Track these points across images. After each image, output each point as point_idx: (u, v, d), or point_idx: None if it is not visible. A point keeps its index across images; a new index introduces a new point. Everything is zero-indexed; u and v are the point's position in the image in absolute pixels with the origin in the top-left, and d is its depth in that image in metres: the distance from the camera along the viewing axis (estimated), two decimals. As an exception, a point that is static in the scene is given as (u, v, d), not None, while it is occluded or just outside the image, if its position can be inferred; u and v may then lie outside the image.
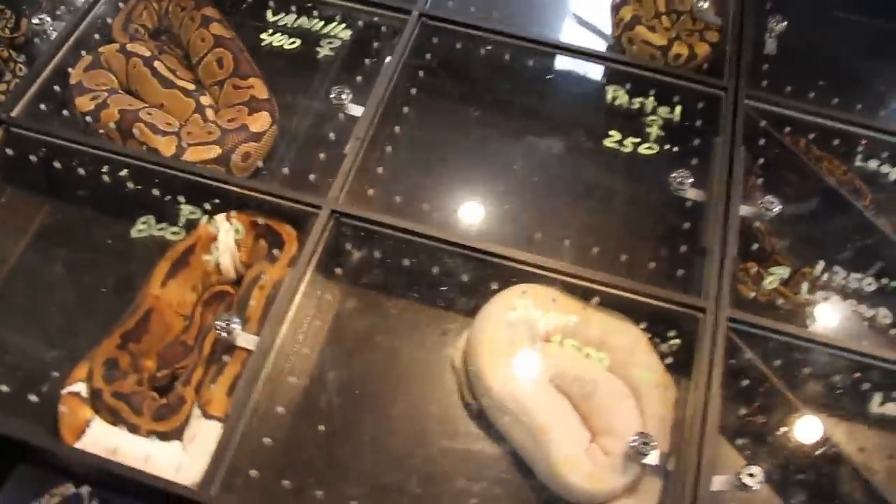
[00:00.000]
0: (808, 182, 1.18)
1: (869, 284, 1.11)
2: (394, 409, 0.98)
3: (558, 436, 0.94)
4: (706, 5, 1.29)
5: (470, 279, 1.02)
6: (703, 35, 1.30)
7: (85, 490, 0.90)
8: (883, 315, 1.08)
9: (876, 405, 1.01)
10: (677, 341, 1.01)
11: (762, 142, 1.20)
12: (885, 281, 1.12)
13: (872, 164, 1.21)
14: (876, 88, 1.31)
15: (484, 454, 0.96)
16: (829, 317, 1.08)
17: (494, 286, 1.02)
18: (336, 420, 0.96)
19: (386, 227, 1.02)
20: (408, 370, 1.01)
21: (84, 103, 1.11)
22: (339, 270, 1.03)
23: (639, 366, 1.00)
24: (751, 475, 0.90)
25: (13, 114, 1.07)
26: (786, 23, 1.29)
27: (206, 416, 0.92)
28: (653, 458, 0.92)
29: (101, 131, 1.10)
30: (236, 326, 0.94)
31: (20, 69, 1.21)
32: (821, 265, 1.11)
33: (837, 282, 1.11)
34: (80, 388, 0.94)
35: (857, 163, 1.21)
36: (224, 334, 0.94)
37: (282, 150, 1.15)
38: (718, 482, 0.91)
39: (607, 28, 1.34)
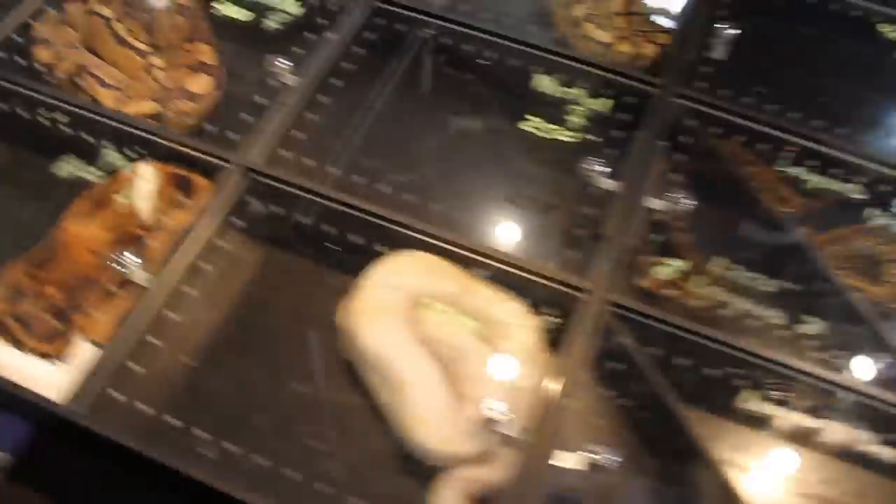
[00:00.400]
0: (729, 183, 1.17)
1: (767, 286, 1.10)
2: (270, 357, 1.02)
3: (418, 395, 0.96)
4: (658, 8, 1.31)
5: (363, 242, 1.06)
6: (651, 36, 1.31)
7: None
8: (775, 316, 1.07)
9: (743, 402, 1.00)
10: (557, 320, 1.02)
11: (688, 140, 1.20)
12: (785, 285, 1.10)
13: (796, 170, 1.19)
14: (817, 100, 1.29)
15: (347, 406, 0.99)
16: (718, 311, 1.07)
17: (385, 249, 1.05)
18: (208, 360, 1.01)
19: (291, 185, 1.06)
20: (291, 323, 1.05)
21: (41, 54, 1.20)
22: (241, 223, 1.08)
23: (513, 339, 1.01)
24: (600, 455, 0.92)
25: (-27, 58, 1.17)
26: (738, 31, 1.30)
27: (91, 342, 0.99)
28: (509, 429, 0.92)
29: (54, 81, 1.19)
30: (133, 263, 1.00)
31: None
32: (722, 262, 1.10)
33: (736, 280, 1.10)
34: (-17, 306, 1.02)
35: (782, 167, 1.20)
36: (121, 269, 1.00)
37: (220, 113, 1.21)
38: (568, 458, 0.92)
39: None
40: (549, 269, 1.02)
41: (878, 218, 1.19)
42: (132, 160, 1.11)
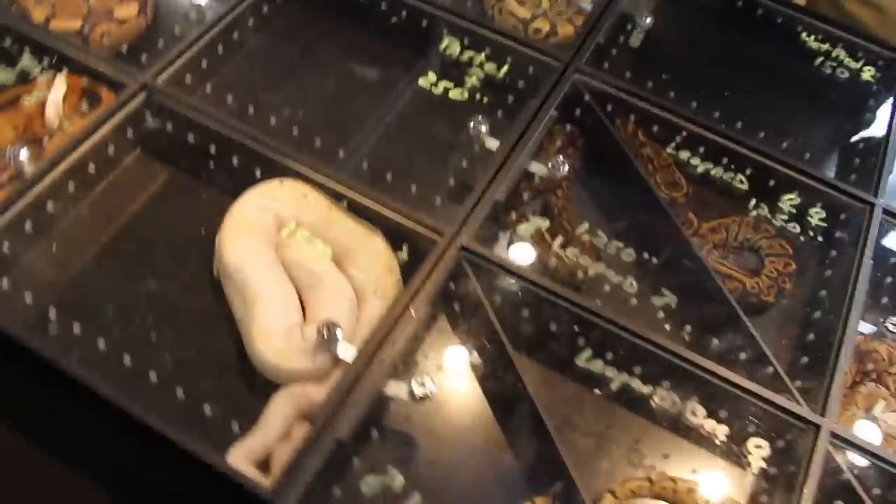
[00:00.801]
0: (620, 159, 1.20)
1: (629, 255, 1.12)
2: (145, 263, 1.07)
3: (265, 309, 1.00)
4: (585, -7, 1.35)
5: (244, 165, 1.11)
6: (572, 18, 1.35)
7: None
8: (629, 284, 1.09)
9: (583, 359, 1.03)
10: (405, 255, 1.06)
11: (582, 115, 1.24)
12: (645, 255, 1.13)
13: (685, 154, 1.22)
14: (722, 95, 1.32)
15: (205, 314, 1.04)
16: (571, 271, 1.10)
17: (264, 175, 1.10)
18: (85, 256, 1.07)
19: (186, 106, 1.12)
20: (172, 235, 1.10)
21: (-12, -28, 1.28)
22: (131, 136, 1.14)
23: (365, 270, 1.05)
24: (422, 384, 0.95)
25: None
26: (650, 20, 1.33)
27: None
28: (344, 353, 0.96)
29: (-7, -3, 1.27)
30: (23, 155, 1.06)
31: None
32: (585, 226, 1.13)
33: (600, 246, 1.13)
34: None
35: (673, 151, 1.23)
36: (10, 160, 1.06)
37: (142, 39, 1.28)
38: (393, 386, 0.96)
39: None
40: (409, 211, 1.06)
41: (762, 211, 1.21)
42: (44, 68, 1.18)
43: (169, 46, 1.20)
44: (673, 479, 1.00)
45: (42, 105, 1.15)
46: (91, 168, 1.09)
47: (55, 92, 1.16)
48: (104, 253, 1.08)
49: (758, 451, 0.99)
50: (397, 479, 0.92)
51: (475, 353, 1.03)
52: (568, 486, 0.94)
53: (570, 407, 1.03)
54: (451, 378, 1.02)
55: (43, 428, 0.96)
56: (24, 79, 1.18)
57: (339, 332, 0.96)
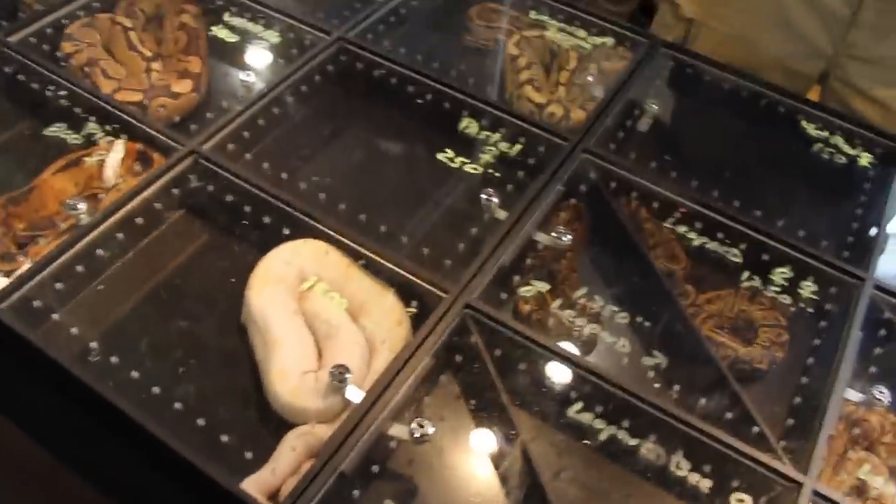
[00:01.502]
0: (621, 233, 1.29)
1: (623, 318, 1.20)
2: (178, 306, 1.18)
3: (284, 352, 1.10)
4: (591, 79, 1.46)
5: (275, 224, 1.23)
6: (584, 105, 1.46)
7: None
8: (621, 345, 1.16)
9: (573, 411, 1.09)
10: (415, 310, 1.15)
11: (587, 191, 1.34)
12: (639, 319, 1.20)
13: (683, 229, 1.30)
14: (721, 175, 1.40)
15: (230, 356, 1.14)
16: (567, 330, 1.17)
17: (291, 233, 1.22)
18: (125, 295, 1.18)
19: (225, 169, 1.25)
20: (206, 283, 1.22)
21: (66, 46, 1.45)
22: (177, 194, 1.26)
23: (377, 323, 1.14)
24: (422, 426, 1.02)
25: (10, 38, 1.42)
26: (657, 107, 1.44)
27: (34, 267, 1.18)
28: (353, 396, 1.04)
29: (69, 68, 1.43)
30: (81, 207, 1.19)
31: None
32: (583, 290, 1.21)
33: (595, 309, 1.20)
34: (-37, 228, 1.23)
35: (669, 224, 1.31)
36: (70, 211, 1.19)
37: (195, 114, 1.43)
38: (396, 428, 1.03)
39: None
40: (420, 270, 1.16)
41: (755, 283, 1.27)
42: (107, 132, 1.33)
43: (216, 118, 1.34)
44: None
45: (101, 165, 1.29)
46: (139, 221, 1.22)
47: (114, 154, 1.30)
48: (145, 296, 1.19)
49: (740, 505, 1.03)
50: None
51: (473, 402, 1.10)
52: None
53: (562, 458, 1.08)
54: (450, 424, 1.09)
55: (73, 449, 1.05)
56: (89, 142, 1.34)
57: (348, 376, 1.05)
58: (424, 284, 1.15)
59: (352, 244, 1.19)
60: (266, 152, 1.37)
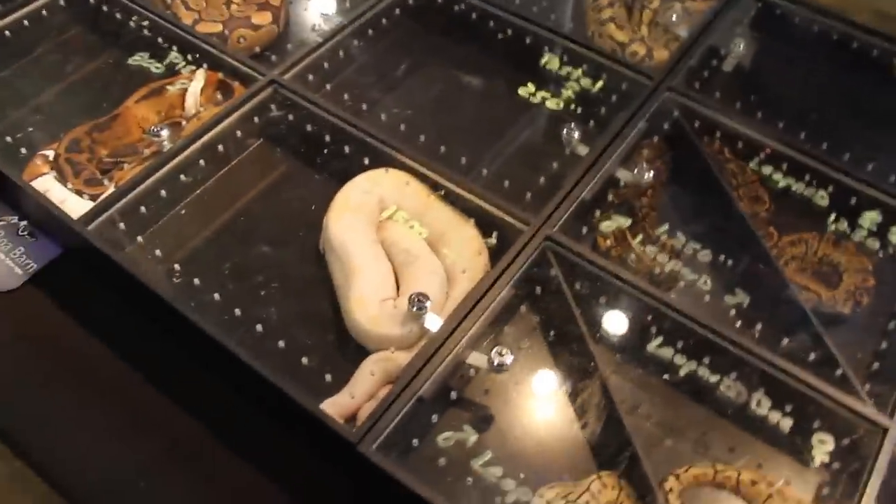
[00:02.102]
0: (704, 172, 1.25)
1: (705, 256, 1.17)
2: (259, 233, 1.19)
3: (363, 280, 1.10)
4: (675, 18, 1.42)
5: (350, 154, 1.23)
6: (668, 44, 1.42)
7: (23, 223, 1.19)
8: (703, 282, 1.14)
9: (653, 346, 1.07)
10: (493, 241, 1.14)
11: (670, 128, 1.30)
12: (721, 258, 1.17)
13: (767, 169, 1.26)
14: (807, 117, 1.35)
15: (309, 282, 1.14)
16: (648, 266, 1.15)
17: (366, 161, 1.22)
18: (206, 221, 1.20)
19: (306, 99, 1.25)
20: (285, 213, 1.22)
21: (151, -17, 1.46)
22: (257, 123, 1.27)
23: (457, 254, 1.14)
24: (501, 354, 1.01)
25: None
26: (743, 47, 1.39)
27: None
28: (432, 323, 1.05)
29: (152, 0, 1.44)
30: (164, 134, 1.20)
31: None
32: (665, 227, 1.18)
33: (677, 246, 1.18)
34: (50, 153, 1.24)
35: (754, 165, 1.27)
36: (154, 138, 1.20)
37: (275, 45, 1.43)
38: (475, 357, 1.03)
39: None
40: (500, 202, 1.15)
41: (842, 226, 1.24)
42: (188, 62, 1.34)
43: (295, 50, 1.34)
44: (737, 471, 1.03)
45: (183, 94, 1.30)
46: (220, 148, 1.23)
47: (195, 83, 1.31)
48: (226, 222, 1.20)
49: (822, 446, 1.01)
50: (471, 437, 0.99)
51: (552, 334, 1.10)
52: (634, 466, 0.98)
53: (640, 393, 1.07)
54: (528, 354, 1.08)
55: (155, 367, 1.07)
56: (171, 71, 1.35)
57: (427, 304, 1.04)
58: (504, 216, 1.14)
59: (431, 175, 1.18)
60: (346, 84, 1.36)
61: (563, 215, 1.13)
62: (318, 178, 1.26)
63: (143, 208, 1.16)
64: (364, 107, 1.32)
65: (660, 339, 1.07)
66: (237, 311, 1.09)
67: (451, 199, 1.17)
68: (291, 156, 1.29)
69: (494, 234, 1.15)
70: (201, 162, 1.21)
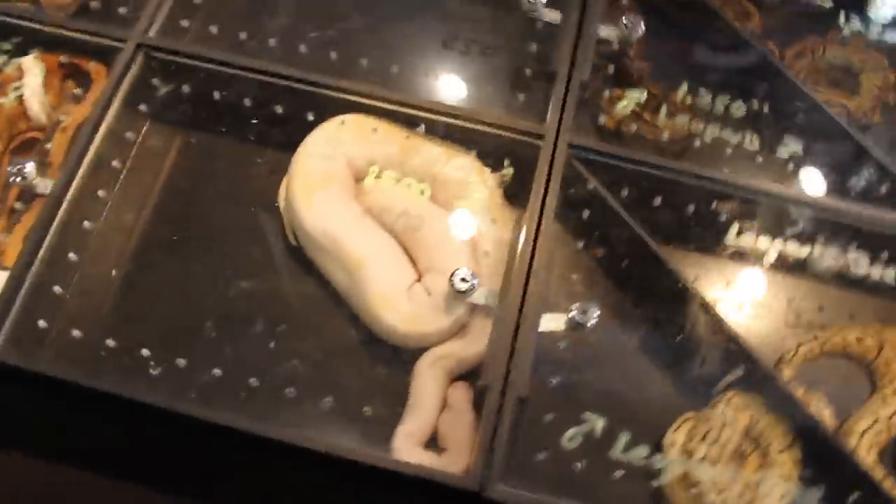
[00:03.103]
0: (683, 3, 1.05)
1: (738, 108, 1.00)
2: (207, 253, 0.91)
3: (375, 272, 0.86)
4: None
5: (285, 111, 0.94)
6: None
7: None
8: (749, 140, 0.97)
9: (732, 236, 0.92)
10: (510, 170, 0.92)
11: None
12: (756, 105, 1.00)
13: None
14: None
15: (299, 295, 0.89)
16: (689, 141, 0.97)
17: (311, 117, 0.93)
18: (132, 266, 0.90)
19: (195, 58, 0.92)
20: (225, 213, 0.93)
21: None
22: (144, 108, 0.95)
23: (468, 198, 0.91)
24: (584, 312, 0.82)
25: None
26: None
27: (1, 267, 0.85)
28: (478, 297, 0.84)
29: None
30: (29, 171, 0.85)
31: None
32: (685, 87, 1.00)
33: (704, 106, 0.99)
34: None
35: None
36: (17, 179, 0.85)
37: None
38: (549, 320, 0.83)
39: None
40: (500, 117, 0.92)
41: (847, 26, 1.08)
42: (7, 53, 0.96)
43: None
44: (839, 330, 0.92)
45: (21, 100, 0.94)
46: (115, 164, 0.90)
47: (30, 79, 0.94)
48: (152, 252, 0.91)
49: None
50: (598, 423, 0.82)
51: (617, 258, 0.91)
52: (748, 368, 0.85)
53: (732, 286, 0.93)
54: (601, 293, 0.90)
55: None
56: (-15, 74, 0.96)
57: (470, 275, 0.82)
58: (512, 135, 0.91)
59: (400, 108, 0.92)
60: (234, 17, 1.02)
61: (573, 111, 0.91)
62: (252, 155, 0.96)
63: (56, 287, 0.85)
64: (272, 42, 1.00)
65: (735, 227, 0.91)
66: (252, 382, 0.83)
67: (436, 132, 0.92)
68: (207, 136, 0.97)
69: (507, 162, 0.92)
70: (100, 193, 0.88)
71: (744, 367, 0.85)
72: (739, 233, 0.91)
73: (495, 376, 0.77)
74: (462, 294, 0.83)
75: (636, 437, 0.82)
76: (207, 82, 0.94)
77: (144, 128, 0.96)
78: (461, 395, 0.85)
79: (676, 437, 0.85)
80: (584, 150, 0.90)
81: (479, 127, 0.91)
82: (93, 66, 0.94)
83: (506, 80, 1.00)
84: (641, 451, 0.81)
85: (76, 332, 0.84)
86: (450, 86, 1.00)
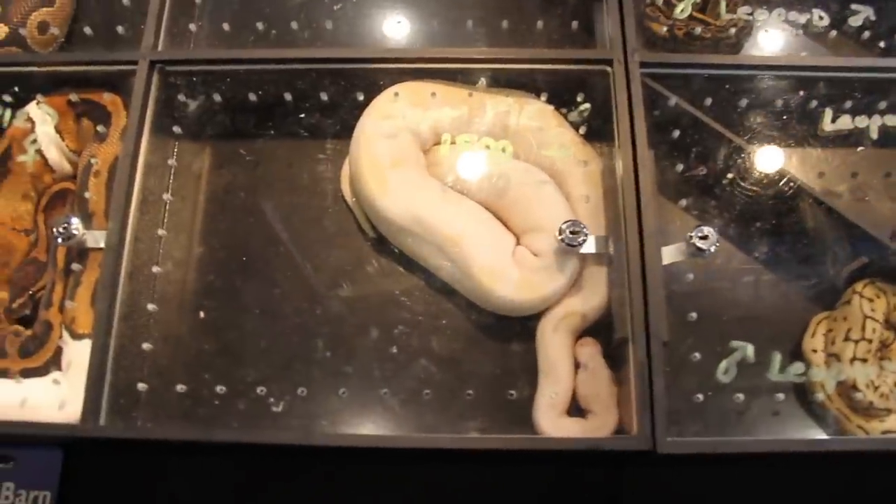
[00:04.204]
0: None
1: (798, -18, 0.94)
2: (285, 269, 0.84)
3: (474, 245, 0.80)
4: None
5: (332, 97, 0.85)
6: None
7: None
8: (818, 17, 0.91)
9: (828, 122, 0.86)
10: (587, 105, 0.86)
11: None
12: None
13: None
14: None
15: (401, 290, 0.83)
16: (758, 34, 0.92)
17: (360, 97, 0.85)
18: (218, 301, 0.83)
19: (218, 62, 0.83)
20: (292, 218, 0.86)
21: None
22: (177, 129, 0.86)
23: (550, 144, 0.85)
24: (703, 237, 0.77)
25: None
26: None
27: (75, 336, 0.77)
28: (589, 246, 0.79)
29: None
30: (76, 226, 0.77)
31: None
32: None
33: (759, -10, 0.93)
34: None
35: None
36: (65, 239, 0.77)
37: (83, 11, 0.96)
38: (669, 253, 0.78)
39: None
40: (562, 52, 0.85)
41: None
42: (9, 106, 0.86)
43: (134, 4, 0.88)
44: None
45: (40, 153, 0.85)
46: (166, 197, 0.83)
47: (41, 128, 0.85)
48: (224, 280, 0.84)
49: None
50: (748, 350, 0.77)
51: (720, 172, 0.86)
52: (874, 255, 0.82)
53: (843, 169, 0.88)
54: (714, 213, 0.86)
55: None
56: (-6, 133, 0.87)
57: (580, 225, 0.77)
58: (578, 67, 0.84)
59: (448, 65, 0.84)
60: (246, 7, 0.93)
61: (633, 28, 0.84)
62: (312, 155, 0.88)
63: (144, 345, 0.77)
64: (294, 25, 0.90)
65: (829, 112, 0.86)
66: (384, 393, 0.77)
67: (497, 82, 0.85)
68: (255, 146, 0.89)
69: (581, 97, 0.85)
70: (158, 231, 0.81)
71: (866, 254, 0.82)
72: (835, 118, 0.86)
73: (635, 325, 0.72)
74: (574, 248, 0.78)
75: (787, 354, 0.78)
76: (238, 85, 0.85)
77: (182, 149, 0.88)
78: (591, 351, 0.81)
79: (815, 342, 0.82)
80: (656, 67, 0.83)
81: (540, 66, 0.84)
82: (107, 98, 0.85)
83: (548, 11, 0.93)
84: (797, 368, 0.77)
85: (180, 387, 0.77)
86: (492, 31, 0.92)
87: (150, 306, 0.79)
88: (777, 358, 0.77)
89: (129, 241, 0.77)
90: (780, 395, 0.77)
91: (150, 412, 0.77)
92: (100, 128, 0.84)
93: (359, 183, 0.82)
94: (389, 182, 0.81)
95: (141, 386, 0.76)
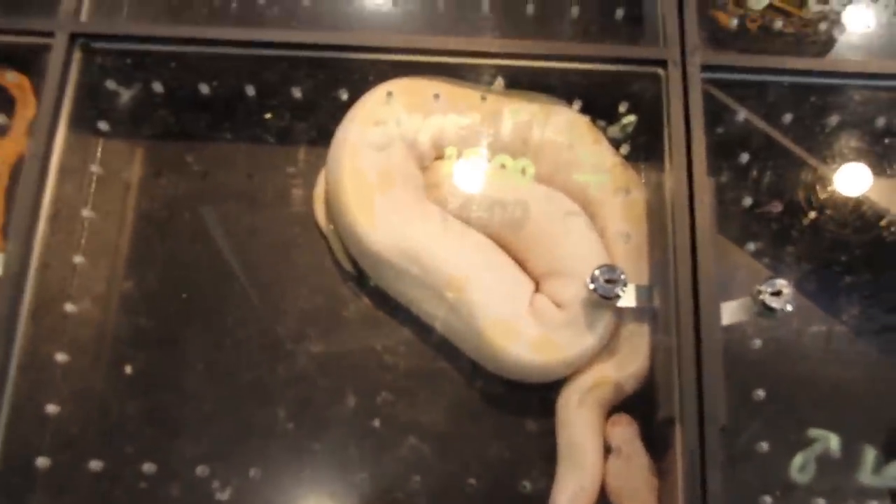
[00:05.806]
0: None
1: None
2: (239, 313, 0.71)
3: (480, 291, 0.69)
4: None
5: (307, 93, 0.73)
6: None
7: None
8: (882, 5, 0.81)
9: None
10: (631, 118, 0.74)
11: None
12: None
13: None
14: None
15: (385, 345, 0.71)
16: (854, 30, 0.81)
17: (344, 96, 0.73)
18: (150, 351, 0.70)
19: (157, 40, 0.70)
20: (250, 247, 0.73)
21: None
22: (104, 125, 0.73)
23: (582, 166, 0.73)
24: (776, 292, 0.65)
25: None
26: None
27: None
28: (628, 299, 0.68)
29: None
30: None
31: None
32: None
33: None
34: None
35: None
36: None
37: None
38: (731, 311, 0.67)
39: None
40: (596, 48, 0.73)
41: None
42: None
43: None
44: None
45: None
46: (83, 210, 0.69)
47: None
48: (149, 320, 0.71)
49: None
50: (832, 441, 0.66)
51: (800, 210, 0.75)
52: None
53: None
54: (791, 263, 0.74)
55: None
56: None
57: (616, 272, 0.64)
58: (623, 68, 0.71)
59: (462, 60, 0.72)
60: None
61: (693, 26, 0.72)
62: (278, 167, 0.75)
63: (48, 406, 0.64)
64: (256, 4, 0.76)
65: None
66: (361, 477, 0.66)
67: (517, 83, 0.73)
68: (205, 153, 0.76)
69: (624, 107, 0.71)
70: (75, 259, 0.66)
71: None
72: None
73: (685, 402, 0.62)
74: (609, 300, 0.65)
75: (883, 449, 0.67)
76: (186, 73, 0.73)
77: (109, 151, 0.74)
78: (627, 433, 0.70)
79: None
80: (722, 71, 0.71)
81: (574, 65, 0.71)
82: (11, 79, 0.73)
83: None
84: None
85: (95, 464, 0.65)
86: (519, 17, 0.80)
87: (59, 356, 0.68)
88: (871, 453, 0.67)
89: (33, 269, 0.66)
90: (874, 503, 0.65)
91: (51, 496, 0.65)
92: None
93: (338, 205, 0.70)
94: (376, 206, 0.69)
95: (41, 461, 0.64)
